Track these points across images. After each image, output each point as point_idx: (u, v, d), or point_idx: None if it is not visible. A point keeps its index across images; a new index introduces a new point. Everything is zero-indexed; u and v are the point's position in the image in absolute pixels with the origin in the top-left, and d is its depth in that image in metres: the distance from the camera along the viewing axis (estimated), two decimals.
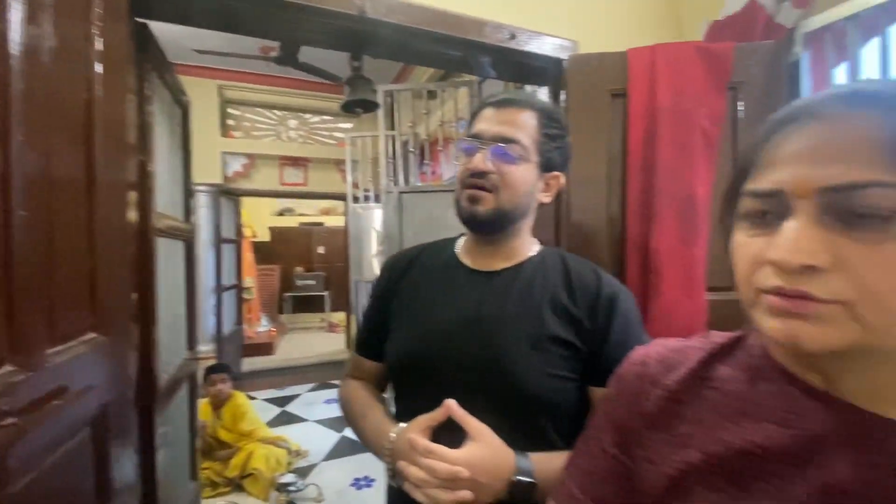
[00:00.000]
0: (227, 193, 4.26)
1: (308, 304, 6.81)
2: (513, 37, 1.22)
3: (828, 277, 0.31)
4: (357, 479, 2.55)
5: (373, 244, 3.49)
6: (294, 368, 4.60)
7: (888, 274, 0.30)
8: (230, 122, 4.43)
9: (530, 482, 0.58)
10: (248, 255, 5.49)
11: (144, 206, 1.09)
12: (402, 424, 0.66)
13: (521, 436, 0.63)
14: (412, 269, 0.78)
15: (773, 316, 0.33)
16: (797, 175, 0.33)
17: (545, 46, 1.29)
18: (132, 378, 0.97)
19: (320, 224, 7.43)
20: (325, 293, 6.76)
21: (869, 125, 0.31)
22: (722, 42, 1.21)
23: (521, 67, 1.36)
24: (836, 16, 1.13)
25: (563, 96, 1.29)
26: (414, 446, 0.59)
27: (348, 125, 4.64)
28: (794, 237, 0.32)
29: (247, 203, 5.44)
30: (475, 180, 0.67)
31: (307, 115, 4.65)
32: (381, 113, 2.67)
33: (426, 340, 0.69)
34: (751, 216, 0.36)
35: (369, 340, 0.80)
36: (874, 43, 1.12)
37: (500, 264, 0.72)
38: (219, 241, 3.99)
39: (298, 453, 2.83)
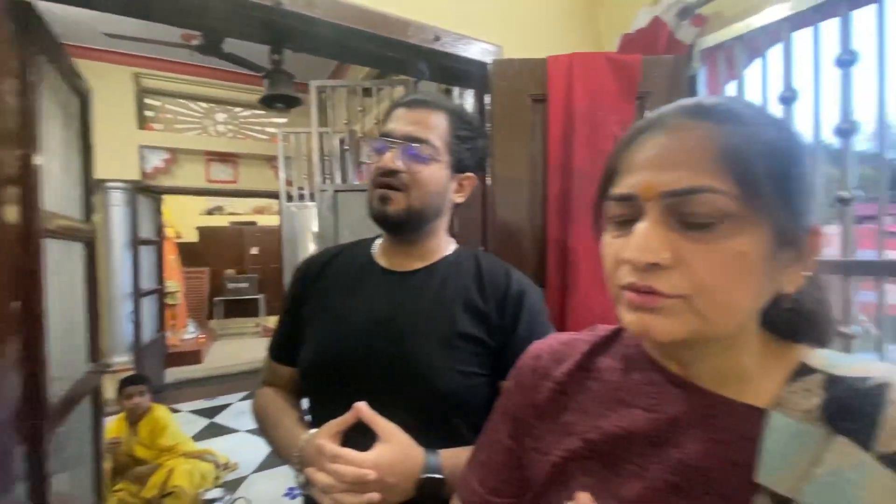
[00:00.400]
0: (146, 191, 3.93)
1: (241, 309, 6.45)
2: (437, 38, 1.23)
3: (670, 274, 0.34)
4: (291, 489, 2.46)
5: (309, 244, 3.38)
6: (224, 377, 4.35)
7: (717, 270, 0.33)
8: (148, 113, 4.09)
9: (439, 478, 0.59)
10: (172, 257, 5.10)
11: (28, 203, 0.97)
12: (314, 430, 0.65)
13: (435, 434, 0.64)
14: (326, 272, 0.76)
15: (630, 310, 0.36)
16: (646, 180, 0.36)
17: (470, 50, 1.31)
18: (13, 397, 0.87)
19: (253, 223, 7.07)
20: (260, 296, 6.44)
21: (705, 136, 0.35)
22: (631, 54, 1.29)
23: (447, 69, 1.38)
24: (726, 35, 1.25)
25: (487, 100, 1.33)
26: (321, 451, 0.58)
27: (282, 120, 4.46)
28: (643, 237, 0.35)
29: (170, 201, 5.06)
30: (385, 179, 0.67)
31: (236, 109, 4.40)
32: (313, 109, 2.59)
33: (338, 343, 0.68)
34: (614, 219, 0.39)
35: (284, 346, 0.78)
36: (760, 62, 1.26)
37: (415, 264, 0.73)
38: (136, 242, 3.67)
39: (227, 466, 2.67)
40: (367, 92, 2.97)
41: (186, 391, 4.07)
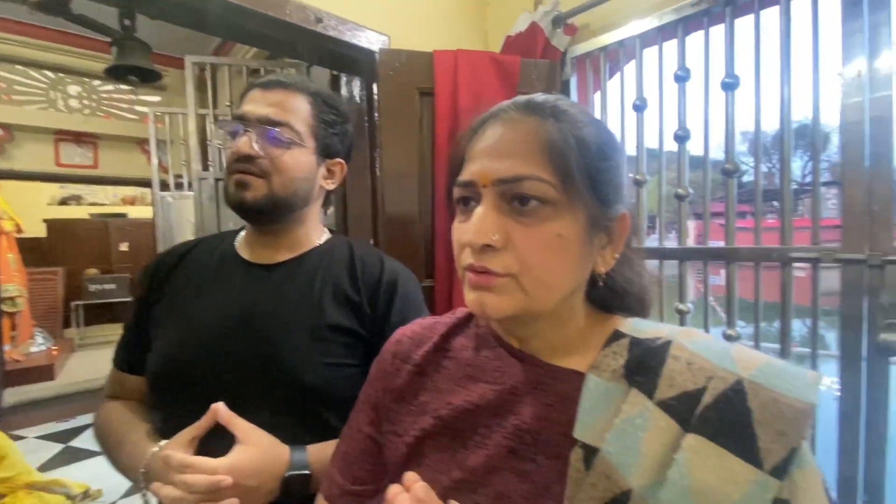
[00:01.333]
0: None
1: (107, 314, 5.58)
2: (319, 21, 1.18)
3: (502, 254, 0.37)
4: None
5: (188, 238, 3.05)
6: (83, 394, 3.75)
7: (539, 251, 0.37)
8: None
9: (305, 475, 0.57)
10: (11, 255, 4.24)
11: None
12: (164, 442, 0.58)
13: (306, 430, 0.62)
14: (180, 268, 0.69)
15: (470, 289, 0.39)
16: (482, 168, 0.38)
17: (357, 37, 1.28)
18: None
19: (122, 216, 6.17)
20: (131, 299, 5.63)
21: (533, 130, 0.38)
22: (512, 55, 1.37)
23: (334, 55, 1.33)
24: (592, 46, 1.38)
25: (375, 90, 1.31)
26: (168, 463, 0.53)
27: (154, 98, 3.95)
28: (478, 221, 0.37)
29: (7, 188, 4.20)
30: (242, 165, 0.63)
31: (94, 82, 3.79)
32: (189, 87, 2.33)
33: (192, 344, 0.62)
34: (460, 203, 0.41)
35: (131, 353, 0.69)
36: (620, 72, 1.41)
37: (282, 255, 0.69)
38: None
39: (88, 495, 2.32)
40: (255, 73, 2.75)
41: (34, 414, 3.44)
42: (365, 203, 1.36)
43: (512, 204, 0.37)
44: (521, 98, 0.41)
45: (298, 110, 0.66)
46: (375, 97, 1.31)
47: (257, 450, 0.56)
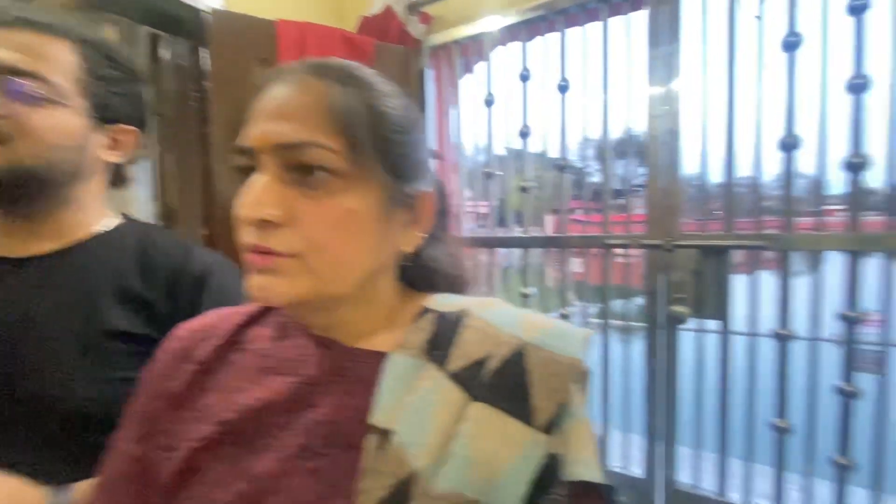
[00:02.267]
0: None
1: None
2: None
3: (285, 232, 0.32)
4: None
5: None
6: None
7: (328, 227, 0.33)
8: None
9: None
10: None
11: None
12: None
13: (81, 465, 0.49)
14: None
15: (253, 273, 0.33)
16: (261, 131, 0.33)
17: None
18: None
19: None
20: None
21: (322, 93, 0.34)
22: (367, 37, 1.32)
23: (149, 9, 1.12)
24: (447, 38, 1.40)
25: (204, 55, 1.14)
26: None
27: None
28: (256, 192, 0.32)
29: None
30: None
31: None
32: None
33: None
34: (241, 173, 0.35)
35: None
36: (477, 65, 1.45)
37: (40, 246, 0.54)
38: None
39: None
40: None
41: None
42: (194, 189, 1.18)
43: (296, 174, 0.33)
44: (314, 60, 0.36)
45: (57, 60, 0.51)
46: (204, 65, 1.13)
47: None
